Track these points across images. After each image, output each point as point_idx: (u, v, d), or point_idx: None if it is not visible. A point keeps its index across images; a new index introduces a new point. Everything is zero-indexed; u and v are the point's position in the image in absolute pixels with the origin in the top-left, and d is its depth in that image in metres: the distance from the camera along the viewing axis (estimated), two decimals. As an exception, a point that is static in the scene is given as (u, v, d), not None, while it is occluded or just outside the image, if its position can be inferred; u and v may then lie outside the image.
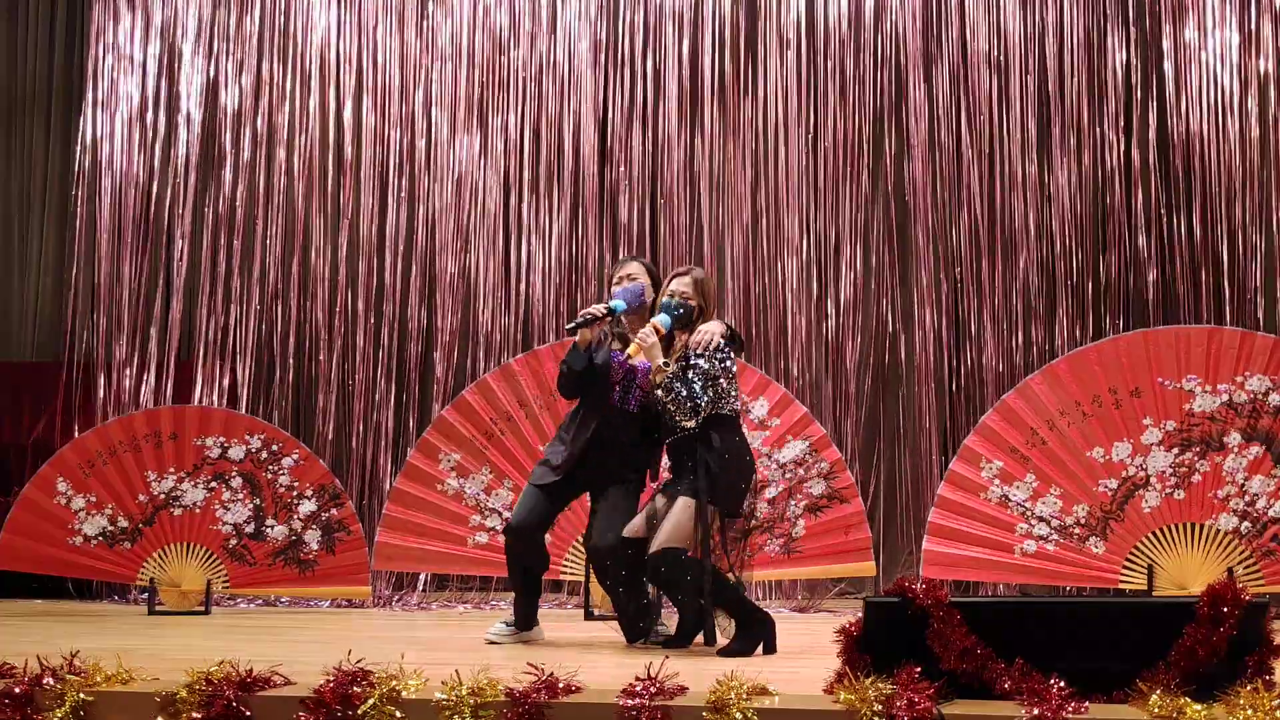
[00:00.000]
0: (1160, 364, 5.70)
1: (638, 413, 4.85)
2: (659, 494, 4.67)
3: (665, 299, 4.72)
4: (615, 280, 4.99)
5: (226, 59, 7.64)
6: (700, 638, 4.78)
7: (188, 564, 6.43)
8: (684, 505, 4.49)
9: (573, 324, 4.84)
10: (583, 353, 4.82)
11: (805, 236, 7.05)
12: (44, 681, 3.39)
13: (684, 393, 4.56)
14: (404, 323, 7.42)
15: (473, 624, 5.87)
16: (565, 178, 7.32)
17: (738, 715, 2.94)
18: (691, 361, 4.58)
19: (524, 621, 4.95)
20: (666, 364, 4.59)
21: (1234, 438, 5.61)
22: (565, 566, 6.19)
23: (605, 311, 4.83)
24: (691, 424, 4.55)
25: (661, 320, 4.65)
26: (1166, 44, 6.79)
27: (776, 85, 7.13)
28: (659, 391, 4.61)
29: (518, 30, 7.43)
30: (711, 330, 4.63)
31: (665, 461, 4.87)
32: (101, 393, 7.34)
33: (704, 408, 4.54)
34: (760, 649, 4.49)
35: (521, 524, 4.87)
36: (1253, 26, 6.67)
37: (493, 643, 4.87)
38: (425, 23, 7.53)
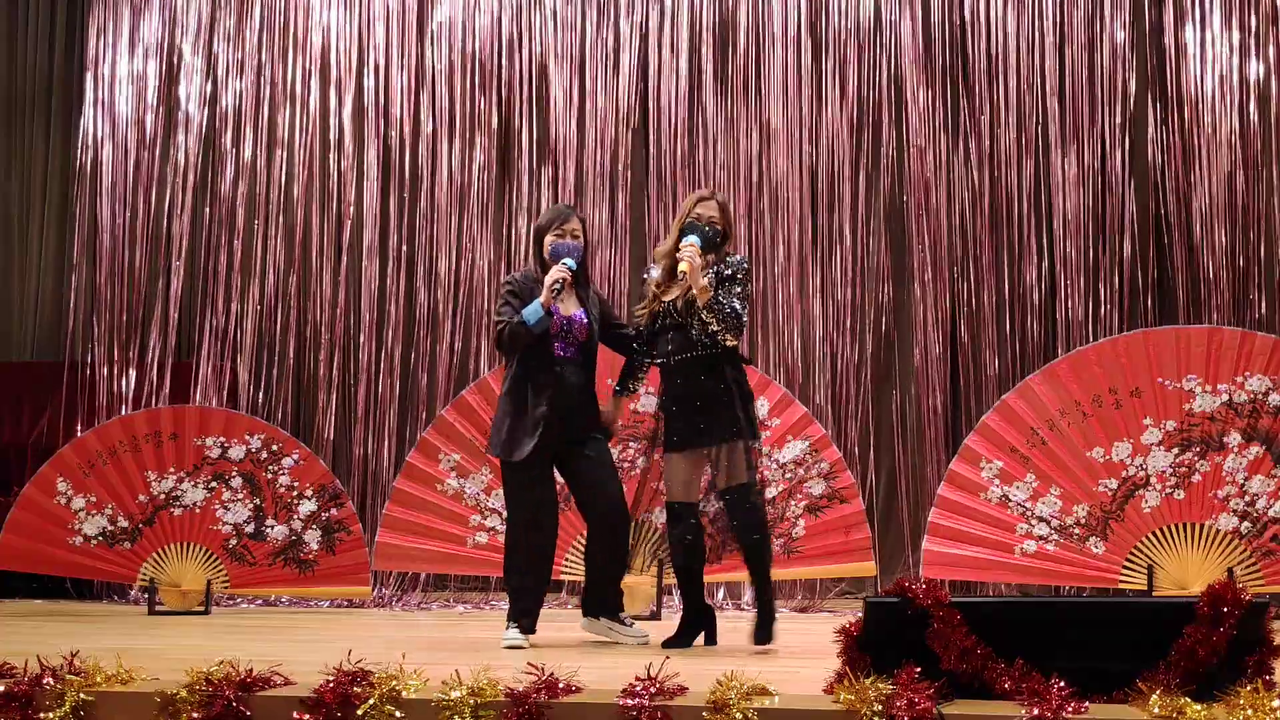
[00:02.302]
0: (1160, 364, 5.70)
1: (580, 359, 4.90)
2: (712, 446, 4.68)
3: (691, 221, 4.76)
4: (556, 233, 4.91)
5: (227, 59, 7.65)
6: (701, 639, 4.79)
7: (188, 564, 6.43)
8: (738, 448, 4.62)
9: (555, 291, 4.77)
10: (547, 315, 4.78)
11: (805, 235, 7.05)
12: (44, 681, 3.39)
13: (727, 309, 4.61)
14: (406, 322, 7.42)
15: (473, 624, 5.87)
16: (565, 176, 7.32)
17: (738, 715, 2.94)
18: (731, 278, 4.68)
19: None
20: (708, 286, 4.64)
21: (1234, 438, 5.60)
22: (565, 566, 6.19)
23: (569, 272, 4.82)
24: (734, 342, 4.69)
25: (696, 241, 4.68)
26: (1167, 40, 6.79)
27: (776, 83, 7.13)
28: (704, 313, 4.61)
29: (518, 30, 7.43)
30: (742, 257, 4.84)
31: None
32: (101, 393, 7.35)
33: (744, 323, 4.71)
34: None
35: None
36: (1252, 25, 6.67)
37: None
38: (426, 22, 7.53)
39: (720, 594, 6.52)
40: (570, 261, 4.82)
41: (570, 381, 4.87)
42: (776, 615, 4.68)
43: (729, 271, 4.70)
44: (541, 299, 4.76)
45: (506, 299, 4.91)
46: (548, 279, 4.77)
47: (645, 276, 4.97)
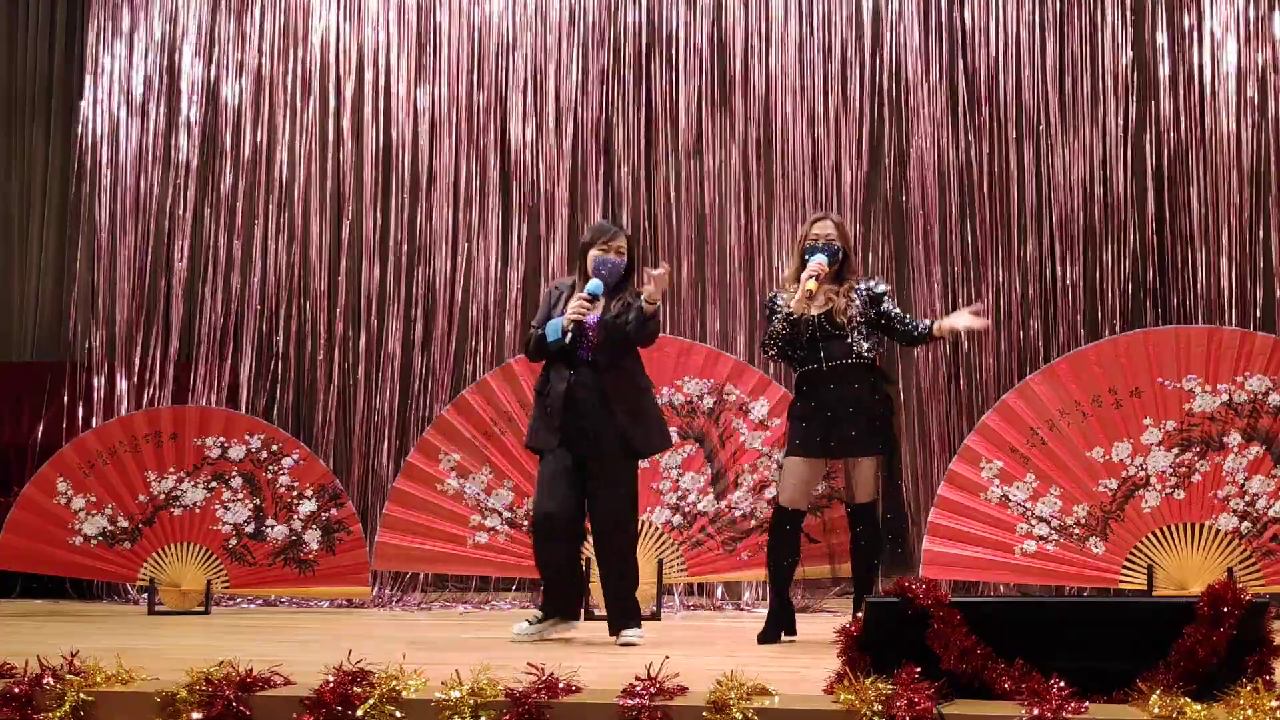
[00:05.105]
0: (1160, 364, 5.70)
1: (592, 360, 4.90)
2: (854, 457, 4.78)
3: (810, 244, 4.89)
4: (601, 248, 4.96)
5: (227, 59, 7.64)
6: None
7: (188, 564, 6.43)
8: (882, 464, 4.82)
9: (571, 329, 4.84)
10: (564, 333, 4.85)
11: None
12: (44, 681, 3.38)
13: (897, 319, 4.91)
14: (406, 322, 7.42)
15: (473, 624, 5.87)
16: (565, 175, 7.32)
17: (738, 715, 2.94)
18: (883, 294, 4.93)
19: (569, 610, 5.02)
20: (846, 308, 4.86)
21: (1234, 438, 5.60)
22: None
23: (591, 301, 4.86)
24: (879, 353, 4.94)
25: (824, 259, 4.82)
26: (1164, 39, 6.79)
27: (776, 81, 7.13)
28: (853, 323, 4.80)
29: (518, 29, 7.43)
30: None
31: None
32: (101, 393, 7.34)
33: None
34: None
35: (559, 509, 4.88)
36: (1255, 23, 6.67)
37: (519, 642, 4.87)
38: (426, 23, 7.53)
39: (719, 591, 6.51)
40: (597, 286, 4.87)
41: (580, 388, 4.89)
42: None
43: (881, 289, 4.93)
44: (564, 320, 4.85)
45: (542, 306, 5.09)
46: (570, 308, 4.86)
47: (773, 304, 4.96)
